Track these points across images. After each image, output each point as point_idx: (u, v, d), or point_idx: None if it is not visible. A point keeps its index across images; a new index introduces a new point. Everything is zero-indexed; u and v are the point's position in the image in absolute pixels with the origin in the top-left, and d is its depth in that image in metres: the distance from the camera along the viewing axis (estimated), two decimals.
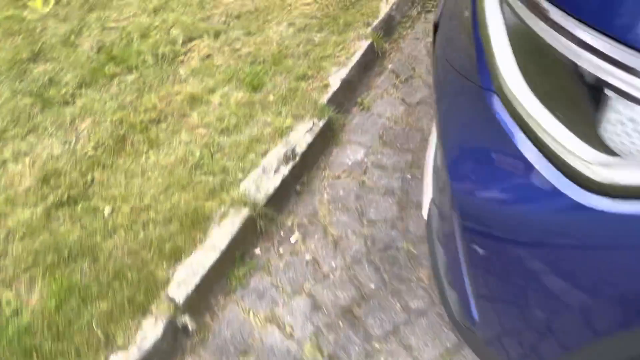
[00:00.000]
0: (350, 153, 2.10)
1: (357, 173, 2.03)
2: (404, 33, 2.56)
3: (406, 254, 1.78)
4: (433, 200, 1.42)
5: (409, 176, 1.99)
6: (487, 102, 0.93)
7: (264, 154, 1.97)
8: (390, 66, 2.41)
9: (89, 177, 1.98)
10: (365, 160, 2.07)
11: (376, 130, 2.16)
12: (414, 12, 2.65)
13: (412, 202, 1.90)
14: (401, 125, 2.17)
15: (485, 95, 0.93)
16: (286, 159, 1.94)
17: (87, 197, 1.91)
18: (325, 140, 2.11)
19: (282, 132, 2.04)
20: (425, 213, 1.49)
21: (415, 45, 2.49)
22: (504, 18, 0.95)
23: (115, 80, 2.36)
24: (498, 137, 0.89)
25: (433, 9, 2.65)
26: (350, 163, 2.06)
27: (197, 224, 1.78)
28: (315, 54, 2.34)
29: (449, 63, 1.14)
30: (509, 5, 0.91)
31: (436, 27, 1.46)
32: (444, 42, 1.24)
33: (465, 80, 1.03)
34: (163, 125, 2.14)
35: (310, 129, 2.03)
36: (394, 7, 2.54)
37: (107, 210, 1.86)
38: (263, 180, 1.88)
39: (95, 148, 2.07)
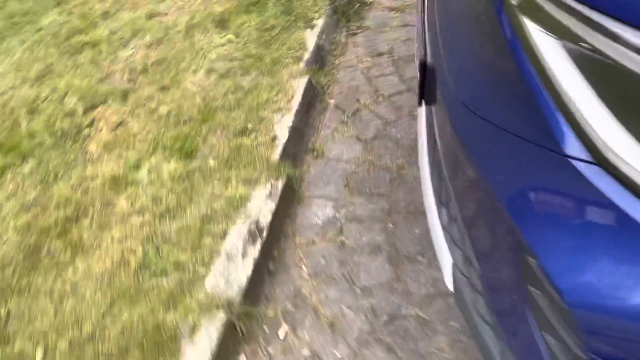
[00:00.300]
0: (317, 210, 1.82)
1: (332, 233, 1.76)
2: (337, 62, 2.33)
3: (416, 321, 1.54)
4: (457, 268, 1.20)
5: (390, 225, 1.75)
6: (584, 177, 0.71)
7: (223, 235, 1.64)
8: (332, 101, 2.17)
9: (3, 311, 1.53)
10: (337, 215, 1.80)
11: (339, 178, 1.91)
12: (341, 38, 2.44)
13: (403, 255, 1.67)
14: (364, 166, 1.94)
15: (581, 170, 0.71)
16: (252, 236, 1.62)
17: (6, 340, 1.47)
18: (287, 202, 1.82)
19: (237, 204, 1.72)
20: (449, 283, 1.26)
21: (352, 74, 2.27)
22: (570, 56, 0.73)
23: (8, 175, 1.90)
24: (616, 223, 0.68)
25: (359, 31, 2.46)
26: (321, 223, 1.79)
27: (163, 346, 1.42)
28: (249, 102, 2.04)
29: (485, 120, 0.91)
30: (577, 37, 0.69)
31: (424, 66, 1.24)
32: (462, 89, 1.00)
33: (528, 144, 0.80)
34: (85, 222, 1.73)
35: (270, 193, 1.73)
36: (320, 35, 2.30)
37: (38, 353, 1.43)
38: (231, 270, 1.55)
39: (0, 270, 1.62)
